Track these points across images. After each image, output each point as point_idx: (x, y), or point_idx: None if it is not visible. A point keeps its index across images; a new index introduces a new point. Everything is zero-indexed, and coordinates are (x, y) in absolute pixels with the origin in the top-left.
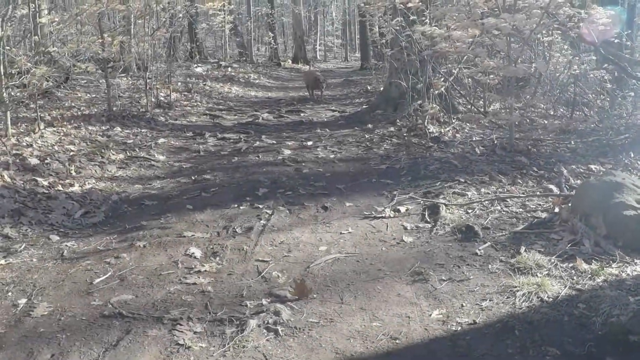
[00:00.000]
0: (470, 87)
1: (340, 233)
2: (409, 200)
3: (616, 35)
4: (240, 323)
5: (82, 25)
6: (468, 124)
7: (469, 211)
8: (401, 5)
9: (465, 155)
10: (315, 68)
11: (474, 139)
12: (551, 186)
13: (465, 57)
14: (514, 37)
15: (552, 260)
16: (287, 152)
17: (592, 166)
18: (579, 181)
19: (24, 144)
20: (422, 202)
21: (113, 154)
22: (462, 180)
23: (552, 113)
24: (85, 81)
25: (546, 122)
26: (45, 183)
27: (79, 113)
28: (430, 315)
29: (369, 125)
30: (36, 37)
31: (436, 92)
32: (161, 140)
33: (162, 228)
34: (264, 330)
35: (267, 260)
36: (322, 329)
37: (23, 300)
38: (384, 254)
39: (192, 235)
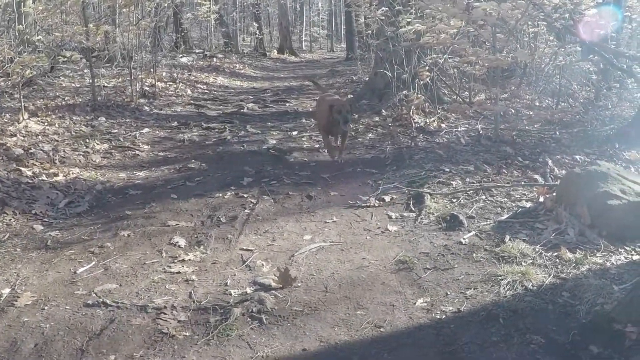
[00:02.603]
0: (455, 78)
1: (325, 222)
2: (394, 190)
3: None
4: (225, 312)
5: (66, 15)
6: (453, 114)
7: (454, 200)
8: None
9: (450, 145)
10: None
11: (459, 129)
12: (536, 176)
13: (450, 48)
14: (499, 28)
15: (537, 249)
16: (272, 141)
17: (577, 156)
18: (563, 171)
19: (8, 133)
20: (406, 191)
21: (97, 144)
22: (447, 169)
23: (537, 104)
24: (69, 71)
25: (531, 112)
26: (29, 173)
27: (64, 103)
28: (415, 303)
29: (354, 115)
30: (20, 26)
31: (421, 82)
32: (146, 129)
33: (147, 217)
34: (248, 319)
35: (252, 249)
36: (306, 318)
37: (7, 290)
38: (368, 242)
39: (177, 225)
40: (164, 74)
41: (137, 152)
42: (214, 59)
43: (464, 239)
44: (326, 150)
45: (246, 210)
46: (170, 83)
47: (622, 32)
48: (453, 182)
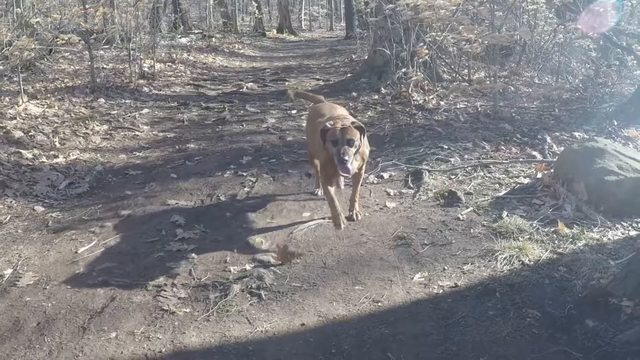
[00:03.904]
0: (454, 56)
1: (324, 199)
2: (393, 167)
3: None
4: (224, 288)
5: None
6: (452, 92)
7: (452, 177)
8: None
9: (449, 122)
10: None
11: (458, 106)
12: (534, 153)
13: (449, 25)
14: (498, 5)
15: (534, 225)
16: (271, 120)
17: (576, 133)
18: (562, 148)
19: (8, 116)
20: (405, 168)
21: (97, 125)
22: (446, 147)
23: (536, 81)
24: (68, 53)
25: (530, 90)
26: (30, 155)
27: (63, 85)
28: (412, 278)
29: (354, 94)
30: (18, 9)
31: (420, 60)
32: (145, 110)
33: (147, 197)
34: (248, 295)
35: (251, 226)
36: (305, 293)
37: (9, 271)
38: (367, 219)
39: (176, 204)
40: (163, 54)
41: (136, 132)
42: (213, 39)
43: (461, 214)
44: (331, 212)
45: (245, 189)
46: (169, 64)
47: (622, 9)
48: (451, 159)
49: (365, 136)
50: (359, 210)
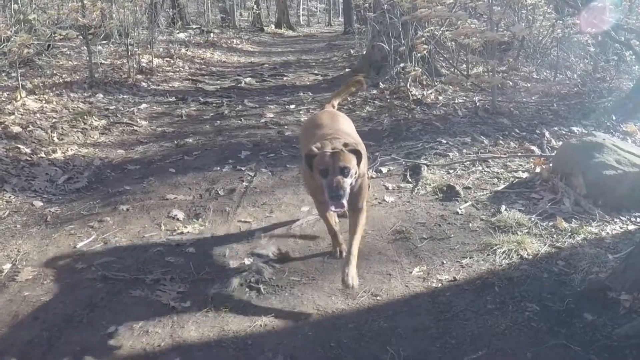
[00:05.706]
0: (453, 50)
1: None
2: (391, 161)
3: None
4: (223, 282)
5: None
6: (451, 87)
7: (451, 171)
8: None
9: (448, 117)
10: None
11: (457, 101)
12: (533, 147)
13: (447, 20)
14: (496, 0)
15: (533, 219)
16: (269, 115)
17: (574, 128)
18: (560, 142)
19: (6, 112)
20: (403, 162)
21: (95, 120)
22: (444, 141)
23: (535, 76)
24: (66, 49)
25: (529, 85)
26: (28, 150)
27: (61, 80)
28: (411, 272)
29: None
30: (16, 5)
31: (419, 55)
32: (143, 105)
33: (145, 192)
34: (246, 289)
35: (249, 221)
36: (303, 287)
37: (7, 266)
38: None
39: (175, 198)
40: (161, 50)
41: (135, 127)
42: (211, 35)
43: (460, 209)
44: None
45: (244, 183)
46: (168, 59)
47: (621, 4)
48: (450, 154)
49: (365, 161)
50: (354, 276)
